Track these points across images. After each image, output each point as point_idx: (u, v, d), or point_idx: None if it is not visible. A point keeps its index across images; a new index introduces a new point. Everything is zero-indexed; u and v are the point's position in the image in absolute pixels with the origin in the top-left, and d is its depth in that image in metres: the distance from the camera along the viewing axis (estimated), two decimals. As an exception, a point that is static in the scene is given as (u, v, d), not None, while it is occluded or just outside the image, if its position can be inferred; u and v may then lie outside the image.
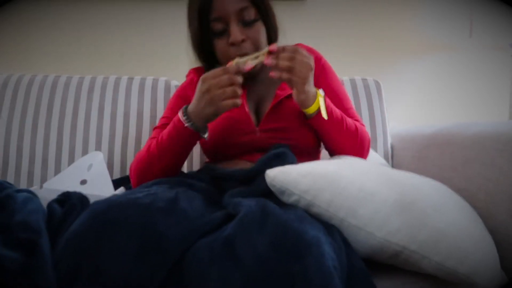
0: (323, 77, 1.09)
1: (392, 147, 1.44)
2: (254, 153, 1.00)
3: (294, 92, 0.91)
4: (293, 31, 1.78)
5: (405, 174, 0.92)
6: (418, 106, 1.86)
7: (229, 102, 0.86)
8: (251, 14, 0.98)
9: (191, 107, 0.92)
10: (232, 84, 0.86)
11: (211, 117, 0.90)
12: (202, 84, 0.88)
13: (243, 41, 0.96)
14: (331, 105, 0.97)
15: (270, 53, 0.89)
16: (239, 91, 0.87)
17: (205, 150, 1.09)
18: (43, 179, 1.35)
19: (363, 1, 1.82)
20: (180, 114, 0.93)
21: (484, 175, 0.92)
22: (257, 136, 1.00)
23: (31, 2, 1.71)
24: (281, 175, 0.78)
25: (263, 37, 1.01)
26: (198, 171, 1.06)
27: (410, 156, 1.28)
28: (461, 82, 1.86)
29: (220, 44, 0.99)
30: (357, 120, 1.06)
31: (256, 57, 0.91)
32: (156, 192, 0.76)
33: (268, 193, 0.81)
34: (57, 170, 1.36)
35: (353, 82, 1.49)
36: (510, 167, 0.86)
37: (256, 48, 0.99)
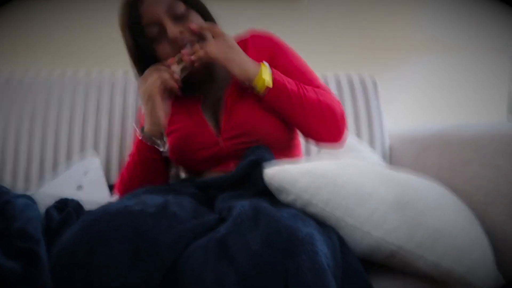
0: (279, 58, 1.07)
1: (390, 148, 1.44)
2: (226, 162, 1.00)
3: (231, 70, 0.93)
4: (290, 29, 1.79)
5: (403, 174, 0.92)
6: (417, 105, 1.85)
7: (158, 82, 0.91)
8: (180, 7, 0.97)
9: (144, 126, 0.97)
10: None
11: (155, 113, 0.93)
12: (140, 88, 0.94)
13: (181, 33, 0.96)
14: (284, 78, 0.96)
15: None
16: (170, 76, 0.92)
17: (178, 165, 1.10)
18: (41, 179, 1.35)
19: (361, 0, 1.82)
20: (136, 130, 0.98)
21: (483, 176, 0.91)
22: (221, 146, 1.00)
23: (30, 1, 1.70)
24: (279, 174, 0.78)
25: (200, 23, 1.01)
26: (183, 180, 1.07)
27: (409, 157, 1.28)
28: (459, 82, 1.86)
29: (161, 48, 0.99)
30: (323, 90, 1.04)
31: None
32: (145, 199, 0.76)
33: (260, 195, 0.82)
34: (54, 170, 1.35)
35: (350, 82, 1.48)
36: (509, 168, 0.86)
37: (199, 37, 0.99)
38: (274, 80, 0.93)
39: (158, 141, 0.97)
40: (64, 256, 0.64)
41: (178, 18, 0.97)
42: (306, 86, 0.98)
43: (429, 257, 0.73)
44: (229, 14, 1.71)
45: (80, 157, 1.36)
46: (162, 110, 0.94)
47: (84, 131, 1.39)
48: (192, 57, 0.92)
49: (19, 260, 0.62)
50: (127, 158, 1.07)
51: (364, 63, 1.80)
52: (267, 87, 0.93)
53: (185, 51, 0.93)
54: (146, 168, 0.99)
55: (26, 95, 1.41)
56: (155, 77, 0.91)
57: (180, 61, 0.94)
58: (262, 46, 1.07)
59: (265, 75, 0.92)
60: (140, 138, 0.97)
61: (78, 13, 1.74)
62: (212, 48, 0.92)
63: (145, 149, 0.97)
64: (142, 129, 0.97)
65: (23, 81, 1.43)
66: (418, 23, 1.83)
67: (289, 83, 0.95)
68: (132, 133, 1.40)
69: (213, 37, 0.96)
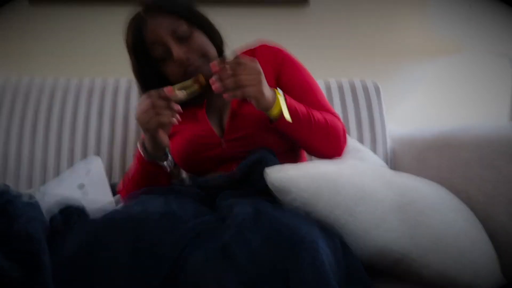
0: (285, 70, 1.06)
1: (392, 150, 1.44)
2: (228, 164, 1.00)
3: (254, 103, 0.87)
4: (296, 35, 1.80)
5: (404, 175, 0.92)
6: (418, 109, 1.85)
7: (153, 122, 0.86)
8: (184, 27, 0.96)
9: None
10: (154, 107, 0.85)
11: (153, 141, 0.92)
12: (136, 112, 0.90)
13: (187, 55, 0.95)
14: (294, 102, 0.93)
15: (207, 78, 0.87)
16: (165, 112, 0.85)
17: (181, 167, 1.10)
18: (43, 183, 1.34)
19: (364, 6, 1.83)
20: (138, 145, 0.97)
21: (484, 177, 0.92)
22: (224, 148, 1.00)
23: (30, 3, 1.71)
24: (279, 174, 0.78)
25: (206, 44, 0.99)
26: (184, 180, 1.07)
27: (409, 158, 1.28)
28: (461, 85, 1.86)
29: (168, 68, 0.98)
30: (327, 111, 1.02)
31: (190, 85, 0.90)
32: (146, 200, 0.77)
33: (261, 194, 0.82)
34: (56, 174, 1.36)
35: (352, 85, 1.49)
36: (509, 169, 0.86)
37: (205, 56, 0.97)
38: (288, 109, 0.90)
39: (160, 158, 0.96)
40: (65, 259, 0.64)
41: (183, 38, 0.96)
42: (313, 110, 0.96)
43: (430, 257, 0.73)
44: (233, 21, 1.72)
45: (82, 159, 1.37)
46: (164, 139, 0.93)
47: (86, 134, 1.40)
48: (226, 95, 0.84)
49: (19, 261, 0.61)
50: (129, 165, 1.07)
51: (367, 68, 1.81)
52: (281, 117, 0.89)
53: (215, 83, 0.84)
54: (149, 180, 0.98)
55: (29, 99, 1.41)
56: (151, 115, 0.86)
57: (189, 86, 0.90)
58: (269, 57, 1.07)
59: (283, 105, 0.89)
60: (142, 155, 0.96)
61: (80, 20, 1.75)
62: (250, 89, 0.84)
63: (148, 164, 0.96)
64: (143, 144, 0.96)
65: (26, 86, 1.44)
66: (420, 28, 1.84)
67: (300, 109, 0.93)
68: (134, 138, 1.41)
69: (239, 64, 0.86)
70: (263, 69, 1.03)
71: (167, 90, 0.86)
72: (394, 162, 1.40)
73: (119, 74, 1.47)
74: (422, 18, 1.84)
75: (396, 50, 1.84)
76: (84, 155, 1.37)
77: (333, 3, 1.81)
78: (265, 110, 0.89)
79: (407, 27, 1.84)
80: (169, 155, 0.99)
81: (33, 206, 0.73)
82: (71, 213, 0.74)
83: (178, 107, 0.87)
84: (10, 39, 1.73)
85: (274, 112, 0.89)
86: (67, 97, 1.42)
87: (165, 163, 0.97)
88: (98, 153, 1.38)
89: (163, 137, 0.92)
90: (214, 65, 0.85)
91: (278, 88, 0.92)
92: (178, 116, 0.87)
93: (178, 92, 0.88)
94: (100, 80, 1.47)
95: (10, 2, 1.66)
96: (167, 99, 0.86)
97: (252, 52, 1.09)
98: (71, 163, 1.37)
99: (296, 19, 1.80)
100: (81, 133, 1.39)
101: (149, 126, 0.87)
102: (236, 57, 0.85)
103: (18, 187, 1.35)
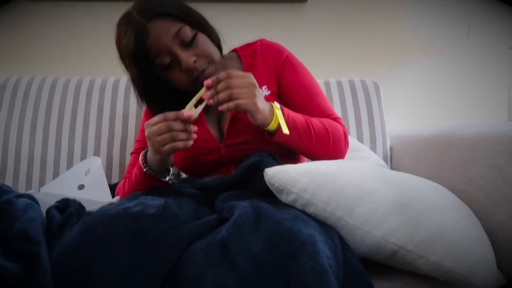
0: (286, 73, 1.04)
1: (391, 149, 1.44)
2: (227, 166, 1.01)
3: (249, 117, 0.86)
4: (293, 33, 1.80)
5: (403, 175, 0.92)
6: (417, 107, 1.86)
7: (167, 147, 0.83)
8: (187, 32, 0.93)
9: (148, 150, 0.92)
10: (170, 130, 0.83)
11: (160, 162, 0.90)
12: (146, 130, 0.86)
13: (195, 62, 0.93)
14: (292, 114, 0.92)
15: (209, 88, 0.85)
16: (182, 136, 0.84)
17: (179, 169, 1.10)
18: (42, 181, 1.36)
19: (363, 4, 1.83)
20: (140, 158, 0.94)
21: (483, 176, 0.91)
22: (223, 152, 1.00)
23: (30, 2, 1.71)
24: (280, 174, 0.78)
25: (210, 46, 0.97)
26: (182, 180, 1.07)
27: (409, 157, 1.28)
28: (460, 83, 1.86)
29: (174, 75, 0.95)
30: (328, 116, 1.01)
31: (199, 101, 0.86)
32: (145, 200, 0.76)
33: (261, 195, 0.82)
34: (56, 173, 1.36)
35: (352, 84, 1.49)
36: (509, 168, 0.86)
37: (210, 60, 0.95)
38: (286, 122, 0.89)
39: (162, 174, 0.95)
40: (64, 259, 0.64)
41: (187, 43, 0.93)
42: (313, 119, 0.95)
43: (430, 257, 0.73)
44: (229, 17, 1.72)
45: (81, 158, 1.37)
46: (172, 159, 0.92)
47: (85, 133, 1.40)
48: (221, 108, 0.84)
49: (19, 262, 0.62)
50: (127, 165, 1.06)
51: (365, 66, 1.81)
52: (279, 130, 0.88)
53: (207, 95, 0.85)
54: (149, 188, 0.97)
55: (28, 98, 1.41)
56: (167, 139, 0.83)
57: (200, 101, 0.87)
58: (270, 58, 1.05)
59: (280, 120, 0.88)
60: (144, 170, 0.93)
61: (80, 18, 1.75)
62: (244, 101, 0.83)
63: (150, 178, 0.94)
64: (145, 158, 0.94)
65: (26, 84, 1.44)
66: (418, 26, 1.84)
67: (299, 121, 0.92)
68: (133, 137, 1.41)
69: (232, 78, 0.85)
70: (263, 71, 1.03)
71: (187, 114, 0.83)
72: (394, 161, 1.41)
73: (119, 73, 1.47)
74: (419, 17, 1.84)
75: (393, 49, 1.84)
76: (83, 154, 1.38)
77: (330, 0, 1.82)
78: (263, 125, 0.88)
79: (405, 25, 1.84)
80: (171, 169, 0.96)
81: (33, 206, 0.73)
82: (71, 214, 0.74)
83: (195, 128, 0.85)
84: (9, 38, 1.73)
85: (272, 126, 0.88)
86: (66, 96, 1.43)
87: (167, 178, 0.95)
88: (97, 151, 1.39)
89: (172, 158, 0.92)
90: (208, 82, 0.84)
91: (275, 102, 0.90)
92: (194, 135, 0.86)
93: (195, 110, 0.85)
94: (100, 78, 1.48)
95: (10, 2, 1.66)
96: (184, 121, 0.84)
97: (253, 50, 1.07)
98: (70, 162, 1.37)
99: (293, 15, 1.80)
100: (80, 132, 1.40)
101: (163, 149, 0.84)
102: (229, 72, 0.84)
103: (17, 185, 1.35)
